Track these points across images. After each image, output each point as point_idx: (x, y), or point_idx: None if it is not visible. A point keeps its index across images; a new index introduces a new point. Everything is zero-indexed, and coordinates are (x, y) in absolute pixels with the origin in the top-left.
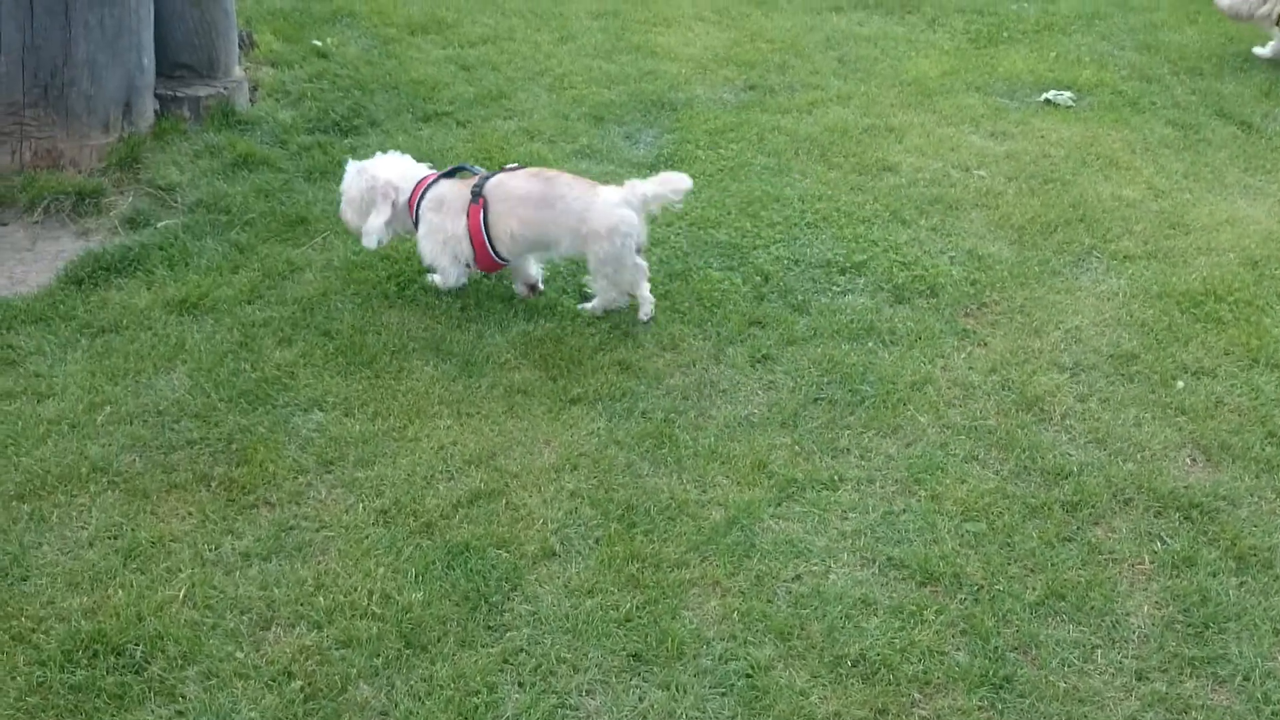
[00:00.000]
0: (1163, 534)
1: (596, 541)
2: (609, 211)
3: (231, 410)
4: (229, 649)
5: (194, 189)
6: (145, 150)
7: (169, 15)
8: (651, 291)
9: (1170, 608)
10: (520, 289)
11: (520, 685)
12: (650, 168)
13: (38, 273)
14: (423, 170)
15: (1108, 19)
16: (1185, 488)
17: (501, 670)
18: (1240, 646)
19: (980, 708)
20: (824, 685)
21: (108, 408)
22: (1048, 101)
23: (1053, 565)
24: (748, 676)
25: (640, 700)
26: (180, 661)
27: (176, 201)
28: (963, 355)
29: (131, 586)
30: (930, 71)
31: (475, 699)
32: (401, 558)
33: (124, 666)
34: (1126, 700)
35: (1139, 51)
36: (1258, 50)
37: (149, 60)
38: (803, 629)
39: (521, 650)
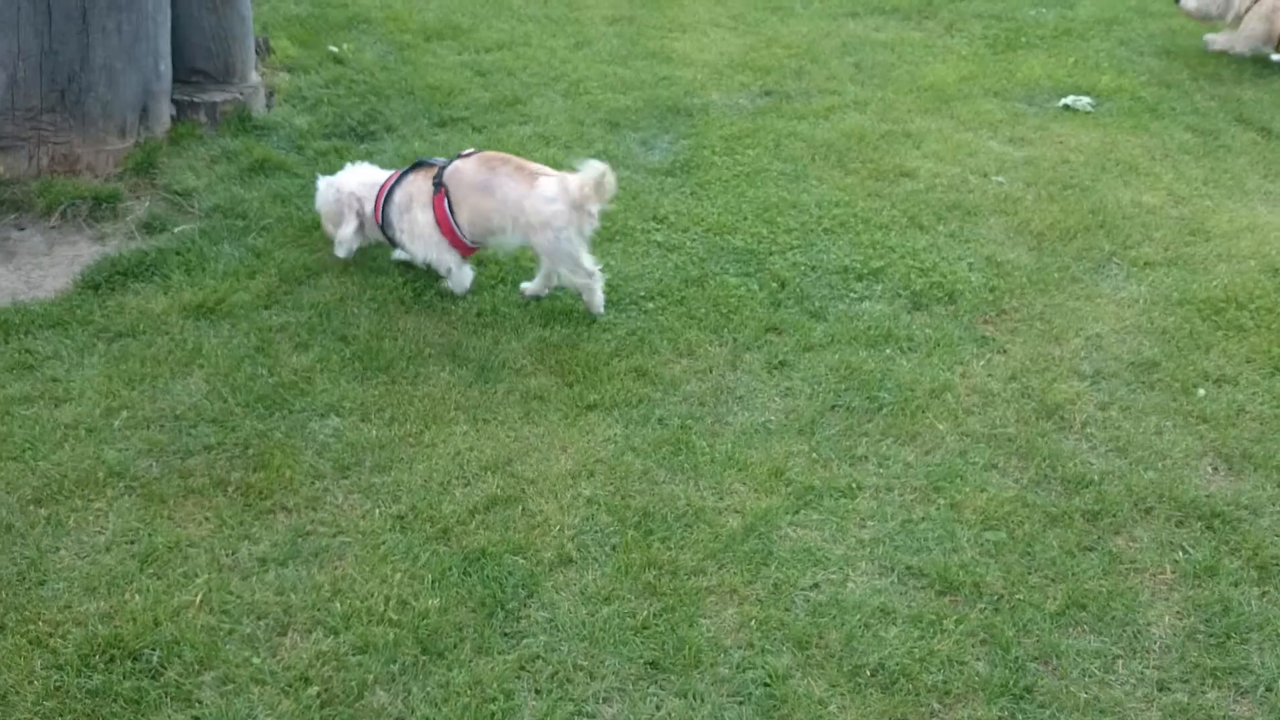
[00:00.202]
0: (1184, 543)
1: (613, 548)
2: (541, 206)
3: (248, 415)
4: (245, 654)
5: (210, 194)
6: (162, 155)
7: (186, 21)
8: (667, 297)
9: (1192, 618)
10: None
11: (537, 692)
12: (666, 174)
13: (55, 277)
14: (384, 176)
15: (1126, 24)
16: (1207, 497)
17: (518, 677)
18: (1262, 657)
19: (1001, 718)
20: (842, 695)
21: (124, 412)
22: (1066, 107)
23: (1073, 575)
24: (766, 685)
25: (657, 708)
26: (197, 667)
27: (193, 206)
28: (982, 362)
29: (148, 591)
30: (948, 77)
31: (492, 706)
32: (418, 564)
33: (141, 671)
34: (1148, 711)
35: (1158, 57)
36: (1227, 48)
37: (166, 66)
38: (821, 638)
39: (538, 657)
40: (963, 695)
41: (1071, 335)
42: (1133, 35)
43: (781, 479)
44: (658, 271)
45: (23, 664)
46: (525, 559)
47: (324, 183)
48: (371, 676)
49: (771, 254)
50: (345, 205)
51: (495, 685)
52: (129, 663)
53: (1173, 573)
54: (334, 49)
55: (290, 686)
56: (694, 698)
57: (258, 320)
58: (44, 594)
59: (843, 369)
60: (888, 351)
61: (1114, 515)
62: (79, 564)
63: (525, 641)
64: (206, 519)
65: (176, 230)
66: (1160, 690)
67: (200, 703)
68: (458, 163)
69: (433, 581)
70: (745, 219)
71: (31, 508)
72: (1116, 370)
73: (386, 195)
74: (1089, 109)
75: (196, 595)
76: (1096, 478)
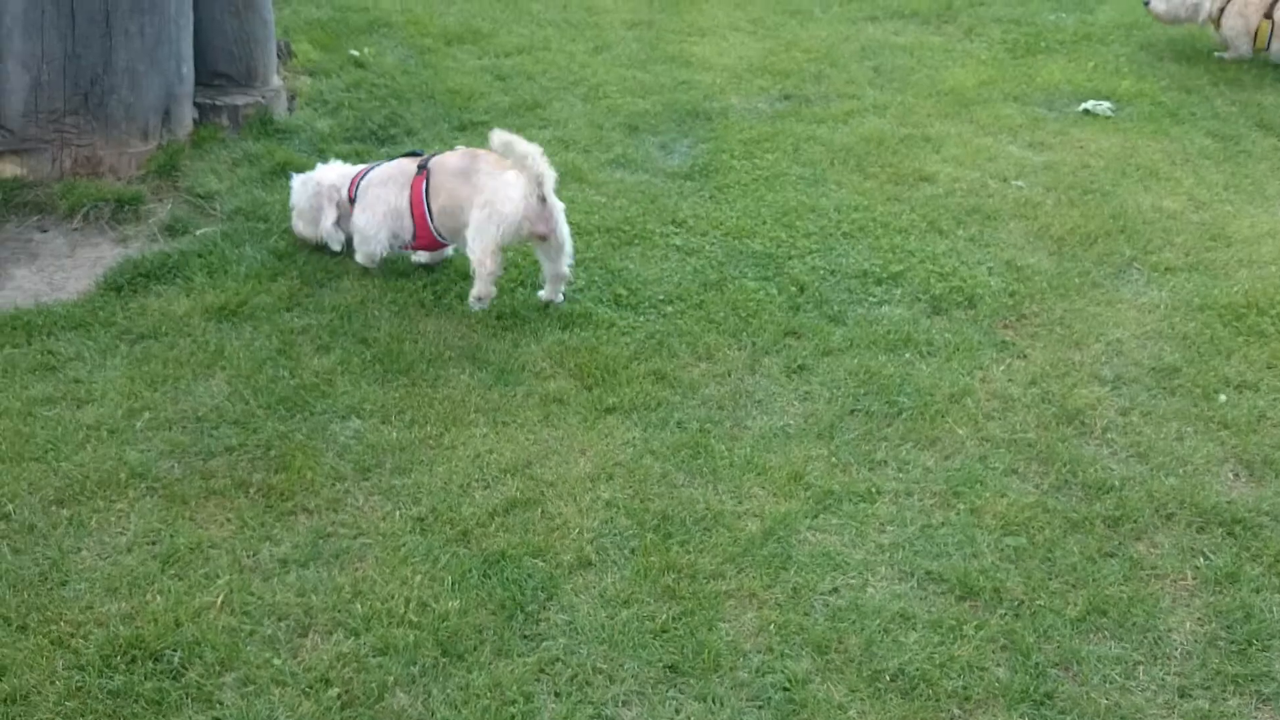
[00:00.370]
0: (1205, 550)
1: (632, 552)
2: (500, 187)
3: (270, 417)
4: (266, 655)
5: (233, 197)
6: (184, 158)
7: (208, 24)
8: (685, 301)
9: (1213, 624)
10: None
11: (556, 695)
12: (685, 177)
13: (77, 279)
14: (359, 169)
15: (1146, 29)
16: (1228, 503)
17: (538, 680)
18: None
19: None
20: (862, 699)
21: (147, 413)
22: (1086, 112)
23: (1094, 580)
24: (785, 689)
25: (677, 712)
26: (218, 668)
27: (215, 209)
28: (1002, 367)
29: (170, 592)
30: (967, 81)
31: (511, 708)
32: (438, 566)
33: (162, 672)
34: (1169, 718)
35: (1178, 62)
36: (1236, 57)
37: (188, 69)
38: (840, 642)
39: (558, 660)
40: (983, 701)
41: (1092, 340)
42: (1153, 40)
43: (800, 483)
44: (676, 275)
45: (45, 664)
46: (544, 561)
47: (299, 179)
48: (392, 678)
49: (790, 258)
50: (325, 198)
51: (515, 688)
52: (150, 663)
53: (1194, 579)
54: (355, 53)
55: (311, 688)
56: (713, 701)
57: (279, 322)
58: (66, 594)
59: (862, 373)
60: (907, 356)
61: (1135, 521)
62: (101, 564)
63: (545, 644)
64: (228, 520)
65: (198, 233)
66: (1181, 697)
67: (221, 704)
68: (446, 153)
69: (453, 584)
70: (764, 223)
71: (54, 508)
72: (1137, 375)
73: (363, 176)
74: (1109, 114)
75: (218, 596)
76: (1117, 483)
